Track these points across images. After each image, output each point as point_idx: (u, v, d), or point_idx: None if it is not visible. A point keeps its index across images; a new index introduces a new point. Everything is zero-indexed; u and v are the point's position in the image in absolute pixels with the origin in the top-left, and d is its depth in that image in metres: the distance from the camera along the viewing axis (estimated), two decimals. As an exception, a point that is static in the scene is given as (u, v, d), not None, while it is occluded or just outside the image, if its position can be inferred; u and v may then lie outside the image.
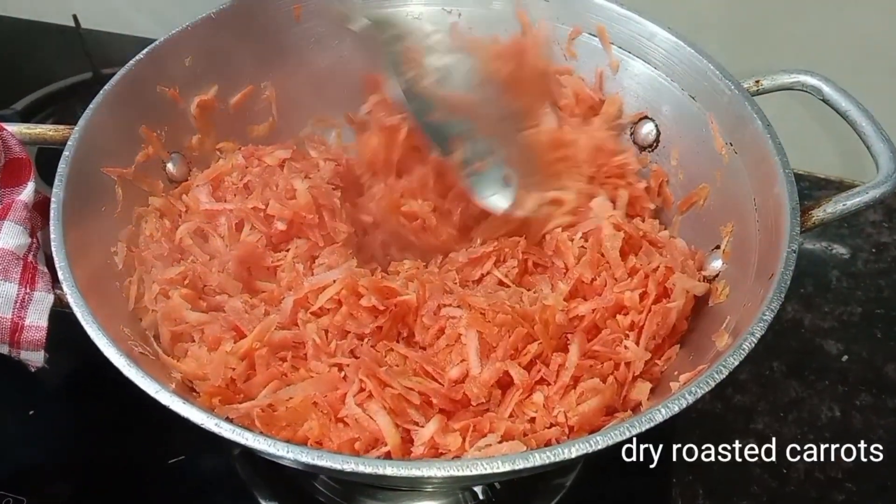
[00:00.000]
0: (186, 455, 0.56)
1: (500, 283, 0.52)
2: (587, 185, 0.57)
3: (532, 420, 0.43)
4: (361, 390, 0.43)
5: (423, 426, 0.42)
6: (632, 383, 0.46)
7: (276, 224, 0.53)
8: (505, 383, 0.45)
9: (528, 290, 0.52)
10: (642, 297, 0.48)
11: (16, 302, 0.46)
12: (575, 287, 0.50)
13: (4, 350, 0.48)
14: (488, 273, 0.53)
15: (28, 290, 0.47)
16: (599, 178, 0.60)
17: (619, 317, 0.49)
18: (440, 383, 0.44)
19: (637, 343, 0.47)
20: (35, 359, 0.48)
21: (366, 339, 0.47)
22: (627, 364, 0.46)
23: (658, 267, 0.50)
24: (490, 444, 0.40)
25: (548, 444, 0.42)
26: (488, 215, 0.55)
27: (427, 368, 0.45)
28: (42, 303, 0.47)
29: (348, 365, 0.44)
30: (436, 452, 0.41)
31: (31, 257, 0.48)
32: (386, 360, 0.46)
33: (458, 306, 0.48)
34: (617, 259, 0.51)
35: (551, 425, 0.43)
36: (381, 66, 0.54)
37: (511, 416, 0.44)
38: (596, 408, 0.44)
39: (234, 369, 0.44)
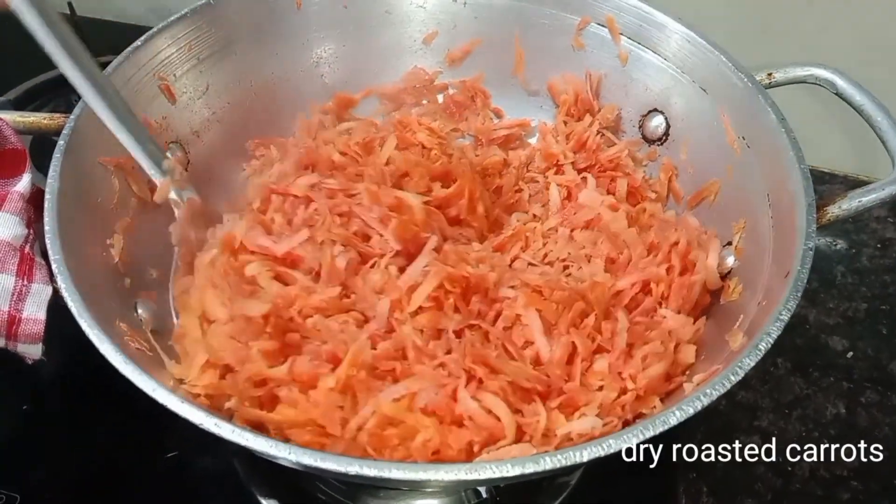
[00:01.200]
0: (184, 451, 0.55)
1: (531, 265, 0.52)
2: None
3: (600, 389, 0.43)
4: (470, 379, 0.41)
5: (525, 414, 0.41)
6: (678, 348, 0.46)
7: (391, 243, 0.49)
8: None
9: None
10: (668, 270, 0.49)
11: (13, 294, 0.45)
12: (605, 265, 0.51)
13: (1, 343, 0.47)
14: (517, 258, 0.53)
15: (25, 282, 0.46)
16: (594, 172, 0.60)
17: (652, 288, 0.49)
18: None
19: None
20: (32, 352, 0.47)
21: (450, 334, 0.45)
22: (670, 332, 0.47)
23: (678, 241, 0.50)
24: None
25: (625, 411, 0.43)
26: None
27: (510, 349, 0.44)
28: (40, 295, 0.46)
29: (450, 359, 0.42)
30: (548, 440, 0.40)
31: (28, 248, 0.47)
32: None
33: (512, 287, 0.47)
34: (634, 236, 0.51)
35: (622, 392, 0.43)
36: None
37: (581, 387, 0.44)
38: (662, 372, 0.44)
39: (342, 407, 0.41)
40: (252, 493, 0.54)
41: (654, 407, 0.44)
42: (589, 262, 0.52)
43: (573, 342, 0.45)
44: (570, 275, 0.51)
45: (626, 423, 0.43)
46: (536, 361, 0.45)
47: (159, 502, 0.55)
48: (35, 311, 0.45)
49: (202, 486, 0.56)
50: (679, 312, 0.48)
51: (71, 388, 0.59)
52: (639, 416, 0.44)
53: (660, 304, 0.49)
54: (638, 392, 0.43)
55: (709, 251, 0.50)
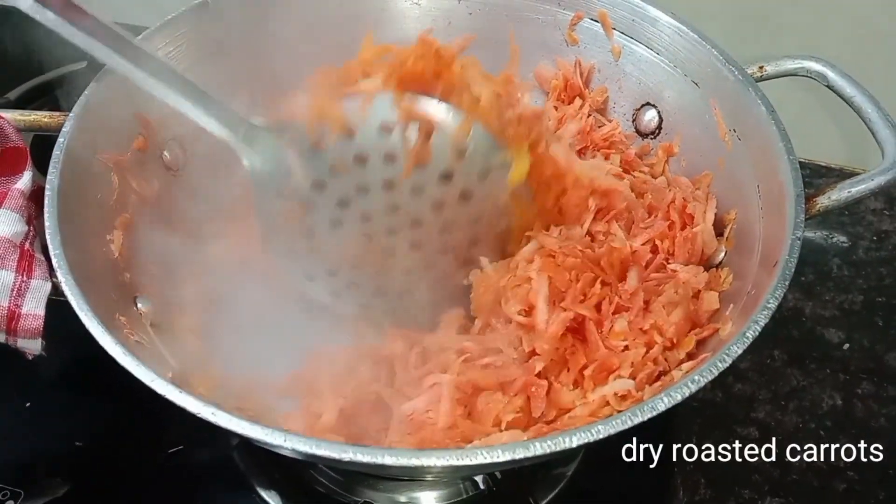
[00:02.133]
0: (185, 445, 0.56)
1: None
2: None
3: (626, 349, 0.44)
4: None
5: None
6: (698, 297, 0.47)
7: None
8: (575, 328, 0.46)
9: None
10: (670, 227, 0.50)
11: (13, 290, 0.46)
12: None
13: (1, 338, 0.48)
14: None
15: (25, 278, 0.46)
16: (589, 153, 0.60)
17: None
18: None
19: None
20: (32, 347, 0.48)
21: None
22: (684, 282, 0.48)
23: (674, 198, 0.51)
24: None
25: (657, 364, 0.44)
26: None
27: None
28: (39, 291, 0.47)
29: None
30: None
31: (28, 245, 0.48)
32: None
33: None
34: (635, 199, 0.53)
35: (649, 345, 0.44)
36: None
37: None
38: (682, 317, 0.45)
39: None
40: (252, 484, 0.55)
41: (691, 349, 0.45)
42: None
43: (581, 313, 0.45)
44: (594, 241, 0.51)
45: (661, 374, 0.44)
46: (529, 327, 0.46)
47: (161, 495, 0.55)
48: (34, 307, 0.46)
49: (203, 479, 0.56)
50: (687, 265, 0.49)
51: (73, 384, 0.60)
52: (682, 362, 0.45)
53: (667, 260, 0.50)
54: (666, 343, 0.45)
55: (707, 206, 0.52)
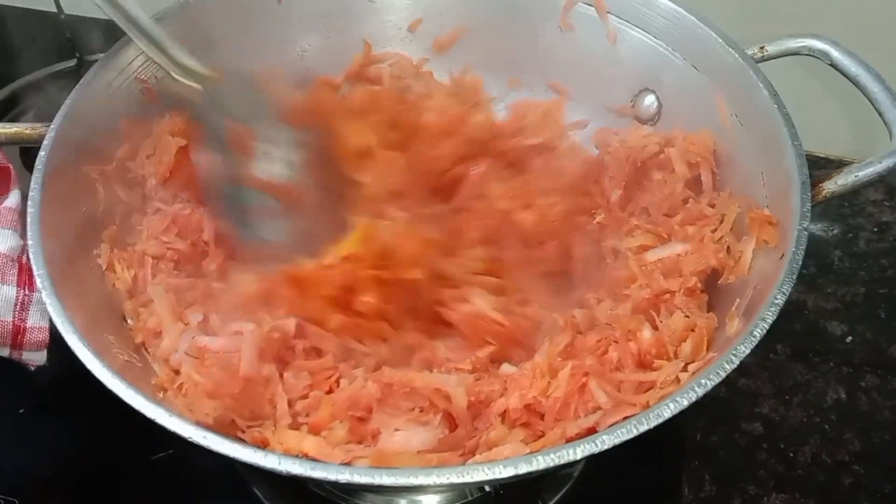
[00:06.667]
0: (182, 451, 0.55)
1: None
2: None
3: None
4: None
5: None
6: None
7: None
8: None
9: None
10: None
11: (16, 304, 0.46)
12: None
13: (5, 353, 0.47)
14: None
15: (27, 292, 0.46)
16: None
17: None
18: None
19: None
20: (37, 358, 0.48)
21: None
22: None
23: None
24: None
25: None
26: None
27: None
28: (42, 303, 0.46)
29: None
30: None
31: (24, 259, 0.47)
32: None
33: None
34: None
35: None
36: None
37: None
38: None
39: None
40: (252, 490, 0.54)
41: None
42: None
43: None
44: None
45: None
46: None
47: (160, 502, 0.55)
48: (39, 320, 0.46)
49: (203, 484, 0.55)
50: None
51: (67, 389, 0.58)
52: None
53: None
54: None
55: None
